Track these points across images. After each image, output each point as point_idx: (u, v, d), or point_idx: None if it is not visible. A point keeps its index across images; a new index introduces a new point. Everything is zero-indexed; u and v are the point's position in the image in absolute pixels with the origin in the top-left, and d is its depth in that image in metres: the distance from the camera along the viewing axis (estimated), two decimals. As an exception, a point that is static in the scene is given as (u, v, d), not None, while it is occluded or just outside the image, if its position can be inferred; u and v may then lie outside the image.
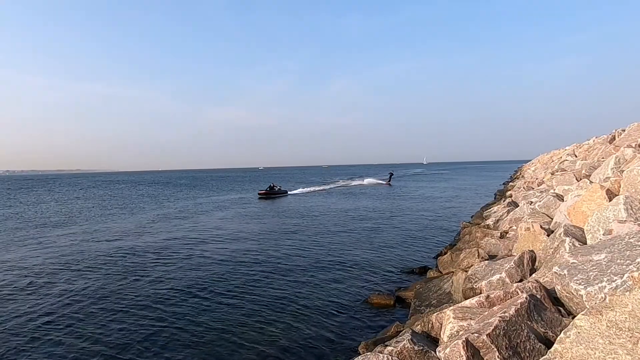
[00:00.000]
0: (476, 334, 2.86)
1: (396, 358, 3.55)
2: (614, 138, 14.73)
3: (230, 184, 61.77)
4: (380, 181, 52.15)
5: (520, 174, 36.92)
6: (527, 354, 2.85)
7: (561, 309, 3.71)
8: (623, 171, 6.63)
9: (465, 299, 5.03)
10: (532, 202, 9.91)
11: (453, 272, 7.62)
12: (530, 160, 54.32)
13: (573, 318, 2.90)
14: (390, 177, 53.54)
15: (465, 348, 2.79)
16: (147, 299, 8.20)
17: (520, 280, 4.92)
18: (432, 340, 4.31)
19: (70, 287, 9.12)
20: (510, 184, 29.14)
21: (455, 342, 2.88)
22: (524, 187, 17.35)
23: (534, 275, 4.93)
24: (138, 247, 13.57)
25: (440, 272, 8.62)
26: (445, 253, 9.90)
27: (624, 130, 14.04)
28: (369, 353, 3.74)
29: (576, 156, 18.94)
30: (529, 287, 3.85)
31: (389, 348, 3.87)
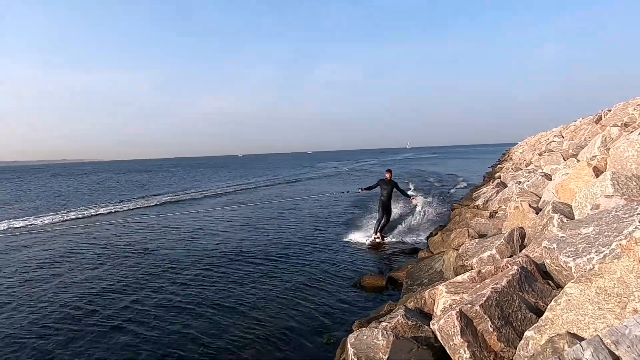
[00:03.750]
0: (469, 305, 2.93)
1: (391, 332, 3.61)
2: (600, 118, 14.93)
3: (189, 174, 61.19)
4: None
5: (508, 156, 37.31)
6: (519, 323, 2.93)
7: (550, 282, 3.80)
8: (609, 149, 6.74)
9: (457, 276, 5.13)
10: (520, 182, 10.04)
11: (444, 251, 7.73)
12: (517, 143, 54.89)
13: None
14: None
15: (459, 318, 2.85)
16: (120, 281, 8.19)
17: (511, 256, 5.02)
18: (425, 316, 4.39)
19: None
20: (499, 166, 29.45)
21: (449, 313, 2.94)
22: (512, 169, 17.55)
23: (523, 251, 5.03)
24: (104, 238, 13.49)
25: (431, 253, 8.73)
26: (436, 234, 10.02)
27: (610, 110, 14.23)
28: (364, 328, 3.81)
29: (563, 137, 19.16)
30: (519, 262, 3.93)
31: (384, 324, 3.94)
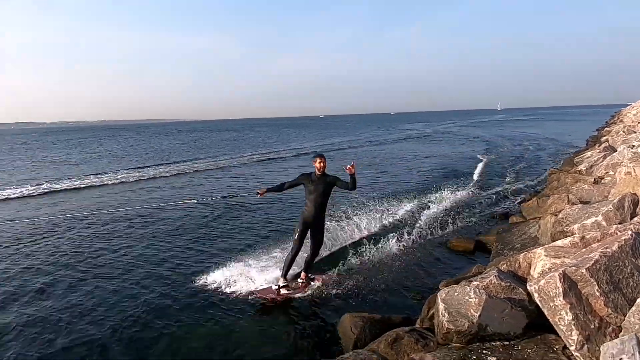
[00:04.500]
0: (574, 267, 2.81)
1: (483, 291, 3.60)
2: None
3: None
4: None
5: (618, 118, 33.36)
6: (630, 290, 2.76)
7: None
8: None
9: (554, 241, 4.88)
10: (634, 146, 9.06)
11: (539, 217, 7.35)
12: (630, 104, 48.66)
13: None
14: None
15: (562, 280, 2.76)
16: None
17: (620, 224, 4.64)
18: (518, 279, 4.28)
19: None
20: (606, 129, 26.52)
21: (550, 274, 2.85)
22: (623, 132, 15.78)
23: (635, 218, 4.63)
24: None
25: (524, 218, 8.34)
26: (530, 199, 9.50)
27: None
28: (455, 285, 3.83)
29: (691, 96, 16.63)
30: (632, 228, 3.64)
31: (475, 283, 3.92)
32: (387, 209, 10.09)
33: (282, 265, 6.01)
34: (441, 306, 3.63)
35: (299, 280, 6.10)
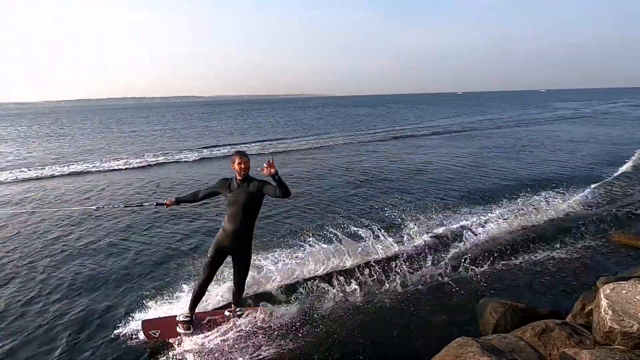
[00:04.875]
0: None
1: (660, 294, 3.15)
2: None
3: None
4: None
5: None
6: None
7: None
8: None
9: None
10: None
11: None
12: None
13: None
14: None
15: None
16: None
17: None
18: None
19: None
20: None
21: None
22: None
23: None
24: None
25: None
26: None
27: None
28: (623, 282, 3.42)
29: None
30: None
31: (649, 283, 3.45)
32: (534, 195, 9.28)
33: (191, 297, 4.51)
34: (604, 302, 3.28)
35: (226, 312, 4.79)
